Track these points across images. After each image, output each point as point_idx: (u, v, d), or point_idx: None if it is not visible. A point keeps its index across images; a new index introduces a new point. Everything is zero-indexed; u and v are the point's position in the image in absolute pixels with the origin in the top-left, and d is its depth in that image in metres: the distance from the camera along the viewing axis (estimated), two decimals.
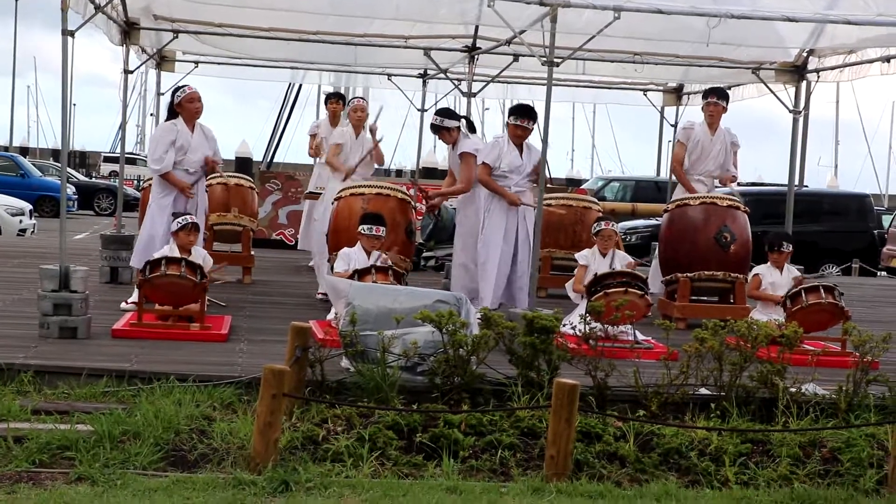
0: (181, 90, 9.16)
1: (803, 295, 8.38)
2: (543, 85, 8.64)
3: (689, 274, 9.68)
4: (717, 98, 10.36)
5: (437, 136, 9.78)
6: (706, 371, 6.57)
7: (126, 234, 10.87)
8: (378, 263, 8.34)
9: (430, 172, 23.73)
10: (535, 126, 9.20)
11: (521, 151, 9.18)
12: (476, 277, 9.17)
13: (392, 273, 8.13)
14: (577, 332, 7.02)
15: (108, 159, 48.00)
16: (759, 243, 9.76)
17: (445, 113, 9.69)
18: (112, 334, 7.64)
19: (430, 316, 6.51)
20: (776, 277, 9.08)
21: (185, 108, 9.08)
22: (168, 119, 9.21)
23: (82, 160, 53.44)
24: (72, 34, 8.06)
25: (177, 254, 8.19)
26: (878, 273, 19.53)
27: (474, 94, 12.07)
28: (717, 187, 10.61)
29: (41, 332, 7.42)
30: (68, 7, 7.98)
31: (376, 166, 11.23)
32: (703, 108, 10.54)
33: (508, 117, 9.33)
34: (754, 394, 6.57)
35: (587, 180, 33.22)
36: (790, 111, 11.14)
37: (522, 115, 9.19)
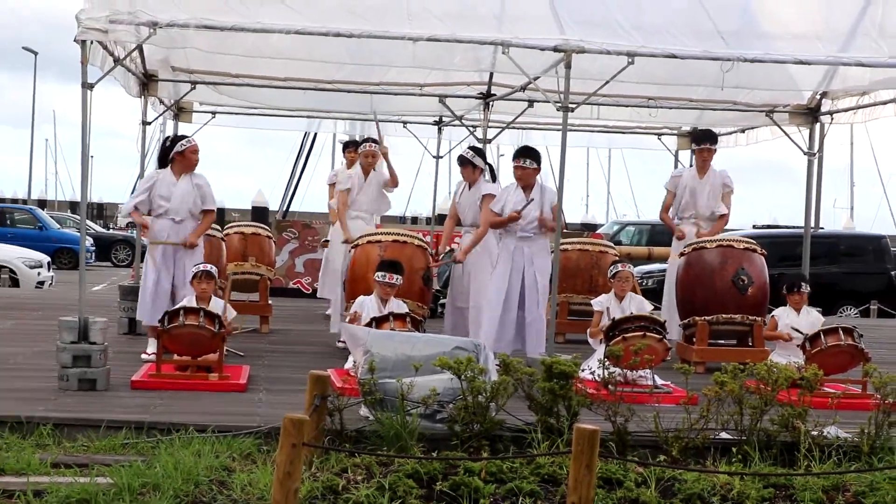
0: (185, 140, 9.20)
1: (822, 337, 8.35)
2: (558, 130, 8.69)
3: (706, 317, 9.66)
4: (709, 143, 10.62)
5: (460, 168, 9.87)
6: (727, 415, 6.53)
7: None
8: (395, 310, 8.35)
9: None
10: (540, 167, 9.27)
11: (528, 193, 9.19)
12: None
13: (410, 320, 8.13)
14: (596, 378, 7.01)
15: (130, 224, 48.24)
16: (777, 286, 9.74)
17: (478, 151, 9.99)
18: (131, 385, 7.66)
19: (449, 363, 6.50)
20: (794, 319, 9.05)
21: (186, 158, 9.07)
22: (160, 167, 9.21)
23: (100, 212, 53.79)
24: (91, 87, 8.15)
25: (195, 304, 8.21)
26: None
27: (489, 141, 12.14)
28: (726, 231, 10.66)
29: (60, 385, 7.44)
30: (88, 61, 8.08)
31: (391, 190, 11.17)
32: (694, 152, 10.75)
33: (512, 161, 9.42)
34: (776, 437, 6.53)
35: (602, 225, 33.21)
36: (804, 153, 11.16)
37: (520, 154, 9.28)
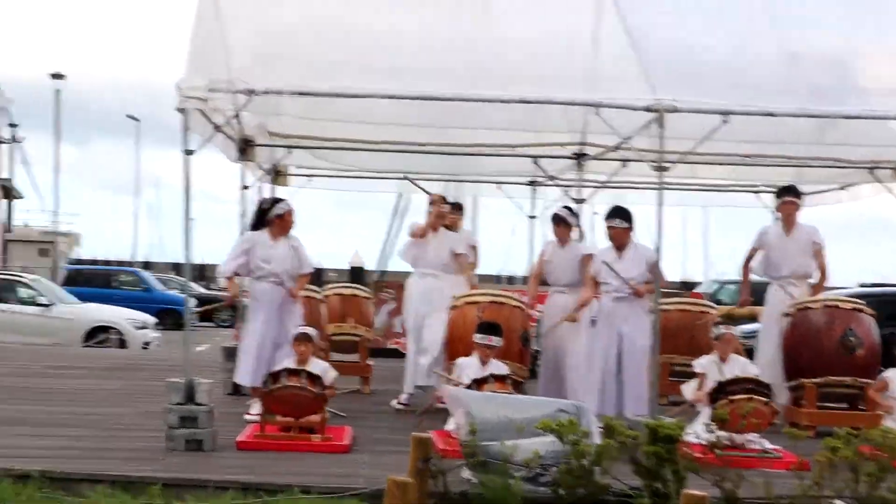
0: (283, 203, 9.38)
1: None
2: (653, 189, 8.63)
3: (815, 380, 9.42)
4: (790, 196, 10.26)
5: (554, 227, 9.88)
6: (841, 482, 6.33)
7: None
8: (496, 372, 8.31)
9: (544, 279, 23.65)
10: (632, 226, 9.25)
11: (622, 254, 9.14)
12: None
13: (510, 381, 8.09)
14: (703, 442, 6.87)
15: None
16: (887, 345, 9.48)
17: (572, 211, 10.05)
18: (237, 446, 7.74)
19: (552, 425, 6.44)
20: None
21: (285, 221, 9.30)
22: (254, 229, 9.35)
23: (202, 273, 54.69)
24: (191, 153, 8.34)
25: (296, 366, 8.28)
26: None
27: (584, 201, 12.08)
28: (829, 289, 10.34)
29: (168, 445, 7.55)
30: (188, 128, 8.28)
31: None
32: (777, 207, 10.46)
33: (604, 221, 9.39)
34: None
35: (700, 283, 32.76)
36: None
37: (611, 215, 9.28)
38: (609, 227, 9.23)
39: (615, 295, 9.21)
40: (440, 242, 10.51)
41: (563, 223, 9.79)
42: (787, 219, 10.35)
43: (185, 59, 8.55)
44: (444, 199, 10.94)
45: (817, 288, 10.36)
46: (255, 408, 8.65)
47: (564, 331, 9.57)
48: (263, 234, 9.25)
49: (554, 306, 9.92)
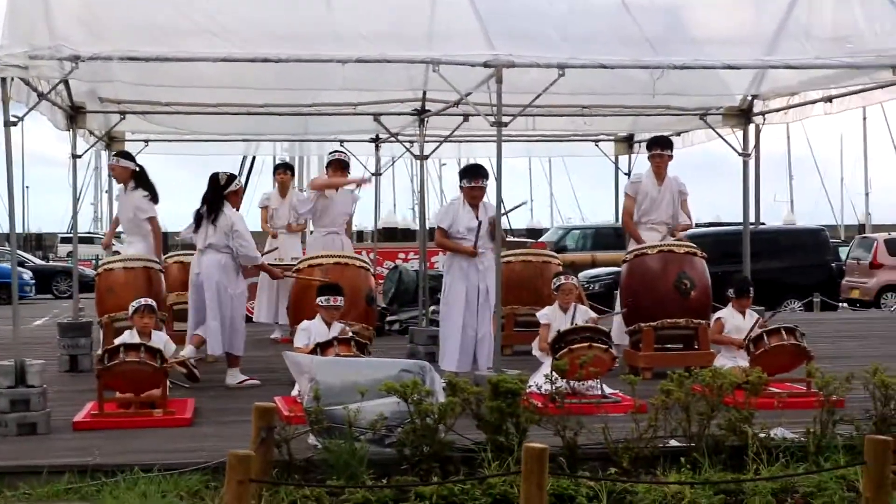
0: (237, 180, 9.75)
1: (765, 338, 8.41)
2: (495, 142, 8.70)
3: (652, 323, 9.70)
4: (660, 148, 10.62)
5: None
6: (674, 422, 6.55)
7: (84, 321, 10.75)
8: (339, 335, 8.28)
9: (391, 234, 23.74)
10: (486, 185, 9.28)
11: (476, 212, 9.22)
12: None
13: (355, 344, 8.07)
14: (544, 392, 7.00)
15: (64, 240, 47.58)
16: (721, 283, 9.79)
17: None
18: (73, 427, 7.52)
19: (395, 387, 6.46)
20: (739, 321, 9.11)
21: (238, 196, 9.72)
22: (210, 204, 9.49)
23: (38, 242, 52.93)
24: (15, 124, 8.00)
25: (136, 339, 8.09)
26: (839, 306, 19.69)
27: (427, 157, 12.09)
28: (672, 235, 10.70)
29: None
30: (10, 98, 7.93)
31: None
32: (648, 158, 10.75)
33: (460, 181, 9.38)
34: (724, 442, 6.56)
35: (548, 230, 33.34)
36: (739, 154, 11.26)
37: (473, 175, 9.28)
38: (475, 187, 9.25)
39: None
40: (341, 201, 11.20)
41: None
42: (658, 170, 10.63)
43: (1, 24, 8.20)
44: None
45: (682, 228, 10.80)
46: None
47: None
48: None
49: None
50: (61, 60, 8.11)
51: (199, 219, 9.53)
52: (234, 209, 9.54)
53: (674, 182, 10.74)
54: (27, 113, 8.53)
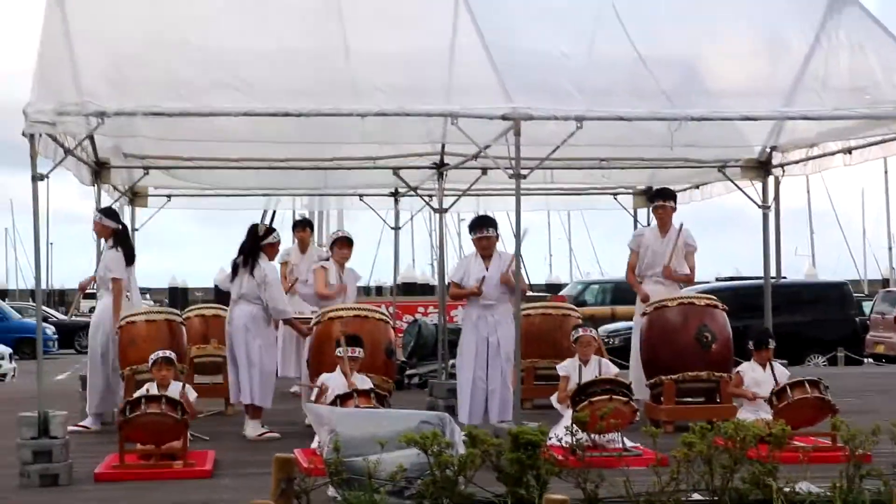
0: (276, 233, 9.84)
1: (789, 391, 8.36)
2: (514, 195, 8.73)
3: (672, 376, 9.65)
4: (663, 200, 10.56)
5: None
6: (697, 476, 6.49)
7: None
8: (359, 386, 8.29)
9: (410, 288, 23.77)
10: (498, 235, 9.33)
11: (487, 263, 9.26)
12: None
13: (374, 396, 8.07)
14: (564, 444, 6.96)
15: (87, 296, 47.72)
16: (742, 337, 9.75)
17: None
18: (95, 478, 7.52)
19: (415, 438, 6.44)
20: (759, 374, 9.06)
21: (274, 249, 9.82)
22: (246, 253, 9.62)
23: (61, 298, 53.20)
24: (42, 179, 8.11)
25: (156, 391, 8.12)
26: (864, 361, 19.55)
27: (446, 210, 12.16)
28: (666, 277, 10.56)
29: (22, 482, 7.30)
30: (38, 153, 8.05)
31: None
32: (651, 210, 10.71)
33: (470, 233, 9.45)
34: (748, 496, 6.48)
35: (566, 284, 33.32)
36: (759, 206, 11.26)
37: (480, 226, 9.37)
38: (482, 238, 9.31)
39: (483, 302, 9.31)
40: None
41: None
42: (662, 222, 10.57)
43: (31, 81, 8.34)
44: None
45: (682, 279, 10.64)
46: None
47: None
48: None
49: None
50: (87, 116, 8.23)
51: (235, 268, 9.66)
52: (270, 261, 9.64)
53: (679, 234, 10.65)
54: (54, 168, 8.64)
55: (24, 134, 8.01)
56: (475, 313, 9.32)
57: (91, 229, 10.65)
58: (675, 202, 10.79)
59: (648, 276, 10.62)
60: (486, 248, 9.29)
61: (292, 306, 11.92)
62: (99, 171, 11.19)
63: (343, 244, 11.05)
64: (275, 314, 9.57)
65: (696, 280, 11.49)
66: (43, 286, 8.61)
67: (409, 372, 13.65)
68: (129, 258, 10.45)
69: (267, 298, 9.44)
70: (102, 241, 10.72)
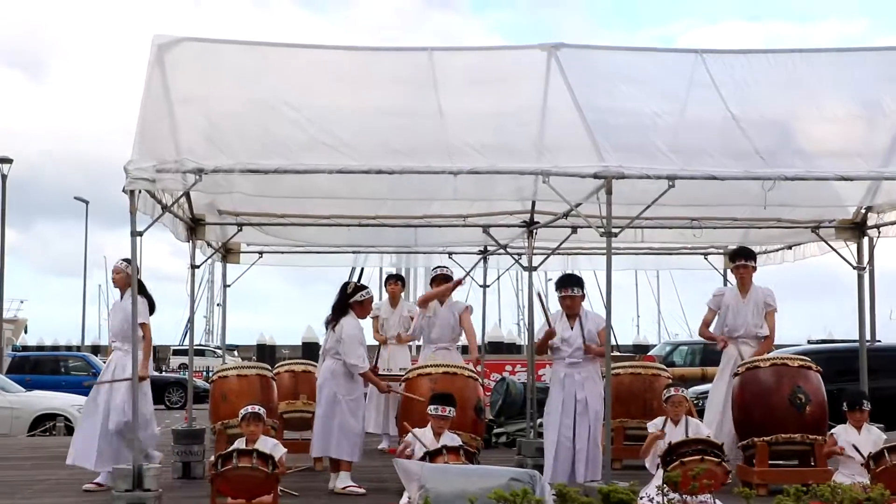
0: (365, 290, 9.85)
1: (887, 454, 8.15)
2: (603, 254, 8.72)
3: (765, 438, 9.48)
4: (744, 259, 10.45)
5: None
6: None
7: (197, 428, 10.94)
8: (449, 443, 8.29)
9: (496, 348, 23.73)
10: (584, 294, 9.33)
11: (572, 322, 9.23)
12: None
13: (464, 453, 8.06)
14: None
15: (177, 352, 48.71)
16: (836, 401, 9.56)
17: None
18: None
19: (505, 495, 6.39)
20: (854, 437, 8.87)
21: (364, 307, 9.79)
22: (336, 312, 9.73)
23: (152, 354, 54.24)
24: (141, 235, 8.33)
25: (244, 446, 8.21)
26: None
27: (535, 268, 12.16)
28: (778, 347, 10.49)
29: None
30: (137, 209, 8.28)
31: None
32: (731, 270, 10.59)
33: (556, 291, 9.44)
34: None
35: (654, 346, 32.98)
36: (854, 268, 11.07)
37: (565, 285, 9.35)
38: (566, 297, 9.29)
39: (568, 361, 9.27)
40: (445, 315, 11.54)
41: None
42: (742, 281, 10.49)
43: (133, 140, 8.60)
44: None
45: (764, 348, 10.49)
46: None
47: None
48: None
49: None
50: (185, 173, 8.46)
51: (326, 325, 9.84)
52: (359, 319, 9.74)
53: (760, 293, 10.50)
54: (152, 224, 8.89)
55: (124, 190, 8.26)
56: (562, 371, 9.28)
57: (113, 279, 10.30)
58: (756, 262, 10.68)
59: (730, 337, 10.50)
60: (570, 308, 9.27)
61: (384, 363, 12.06)
62: (194, 227, 11.44)
63: (442, 282, 11.60)
64: (352, 369, 9.64)
65: (788, 342, 11.29)
66: None
67: (496, 430, 13.60)
68: (152, 307, 10.30)
69: (342, 353, 9.53)
70: (118, 291, 10.42)
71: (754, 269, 10.60)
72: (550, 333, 9.18)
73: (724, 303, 10.55)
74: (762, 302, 10.45)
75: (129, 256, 10.73)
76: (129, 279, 10.13)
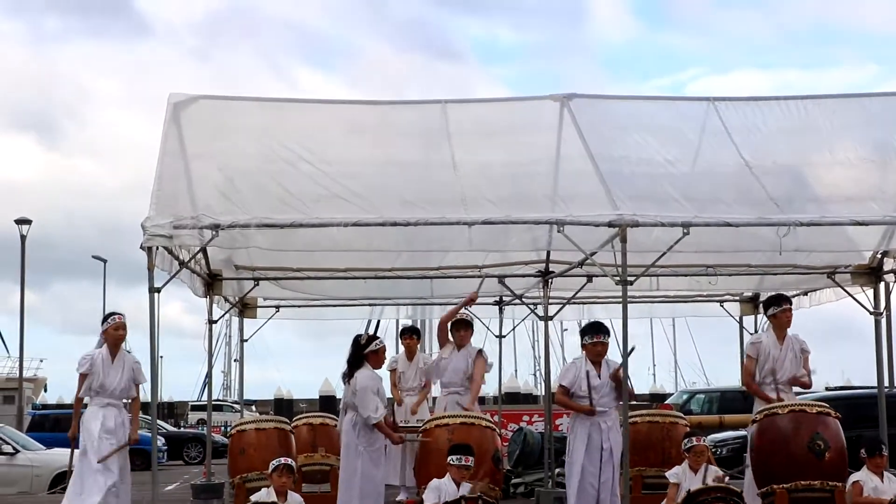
0: (378, 340, 9.68)
1: None
2: (619, 303, 8.72)
3: (785, 485, 9.41)
4: (788, 304, 10.27)
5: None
6: None
7: (216, 483, 10.92)
8: (467, 494, 8.26)
9: (512, 398, 23.64)
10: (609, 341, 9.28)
11: (599, 370, 9.20)
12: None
13: (482, 502, 8.03)
14: None
15: (195, 408, 48.71)
16: (854, 447, 9.49)
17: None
18: None
19: None
20: (877, 483, 8.79)
21: (379, 356, 9.60)
22: (351, 364, 9.56)
23: (170, 410, 54.23)
24: (158, 291, 8.38)
25: (272, 498, 8.19)
26: None
27: (551, 318, 12.17)
28: (798, 394, 10.39)
29: None
30: (154, 266, 8.34)
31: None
32: (770, 318, 10.38)
33: (582, 338, 9.40)
34: None
35: (671, 394, 32.80)
36: (871, 313, 11.04)
37: (597, 332, 9.27)
38: (598, 343, 9.20)
39: (598, 409, 9.20)
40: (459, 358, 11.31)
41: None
42: (784, 326, 10.29)
43: (150, 198, 8.69)
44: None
45: (802, 384, 10.38)
46: None
47: None
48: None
49: None
50: (202, 229, 8.52)
51: (343, 379, 9.81)
52: (375, 368, 9.69)
53: (794, 340, 10.43)
54: (170, 280, 8.94)
55: (142, 247, 8.33)
56: (587, 420, 9.21)
57: (116, 334, 9.73)
58: (791, 307, 10.58)
59: (768, 384, 10.34)
60: (600, 354, 9.23)
61: (401, 416, 12.03)
62: (211, 282, 11.50)
63: (460, 327, 11.40)
64: (363, 420, 9.56)
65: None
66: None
67: (514, 480, 13.52)
68: None
69: (357, 405, 9.48)
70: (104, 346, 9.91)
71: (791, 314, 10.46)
72: (590, 412, 9.11)
73: (762, 349, 10.36)
74: (798, 347, 10.34)
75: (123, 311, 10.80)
76: (125, 335, 9.95)
